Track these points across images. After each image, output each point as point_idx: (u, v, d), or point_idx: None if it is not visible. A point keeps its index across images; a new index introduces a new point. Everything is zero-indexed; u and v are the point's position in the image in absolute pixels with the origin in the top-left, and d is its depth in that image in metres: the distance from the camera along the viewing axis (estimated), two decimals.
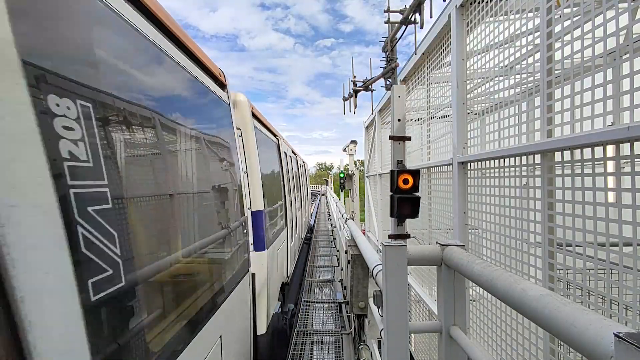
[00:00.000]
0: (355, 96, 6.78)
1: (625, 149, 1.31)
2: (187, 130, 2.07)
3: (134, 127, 1.46)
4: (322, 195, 34.40)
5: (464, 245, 1.56)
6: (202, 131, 2.35)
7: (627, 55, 1.32)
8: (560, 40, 1.67)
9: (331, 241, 12.06)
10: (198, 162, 2.24)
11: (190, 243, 1.99)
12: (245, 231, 3.35)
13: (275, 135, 6.63)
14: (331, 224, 14.57)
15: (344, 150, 14.90)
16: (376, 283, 2.67)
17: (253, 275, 3.74)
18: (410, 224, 3.78)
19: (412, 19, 3.89)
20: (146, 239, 1.54)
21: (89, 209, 1.06)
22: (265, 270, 4.38)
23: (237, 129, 3.66)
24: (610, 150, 1.38)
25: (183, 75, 2.07)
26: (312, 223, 17.09)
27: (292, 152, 9.61)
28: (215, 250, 2.48)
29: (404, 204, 2.97)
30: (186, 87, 2.17)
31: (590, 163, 1.46)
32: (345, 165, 16.54)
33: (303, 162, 14.74)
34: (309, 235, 13.61)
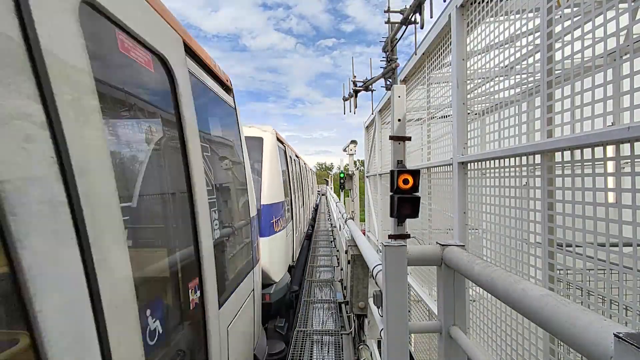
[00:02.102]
0: (356, 96, 6.78)
1: (626, 149, 1.31)
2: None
3: None
4: (322, 195, 34.37)
5: (463, 246, 1.56)
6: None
7: (628, 55, 1.32)
8: (560, 40, 1.67)
9: (331, 241, 12.06)
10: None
11: None
12: None
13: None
14: (331, 224, 14.58)
15: (344, 150, 14.89)
16: (376, 283, 2.67)
17: None
18: (410, 224, 3.78)
19: (413, 19, 3.89)
20: None
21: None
22: None
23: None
24: (611, 150, 1.38)
25: None
26: (316, 203, 23.87)
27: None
28: None
29: (404, 204, 2.97)
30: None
31: (591, 163, 1.46)
32: (345, 165, 16.54)
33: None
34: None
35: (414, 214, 2.99)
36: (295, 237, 8.16)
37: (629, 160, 1.30)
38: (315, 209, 20.78)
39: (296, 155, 10.89)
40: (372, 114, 7.93)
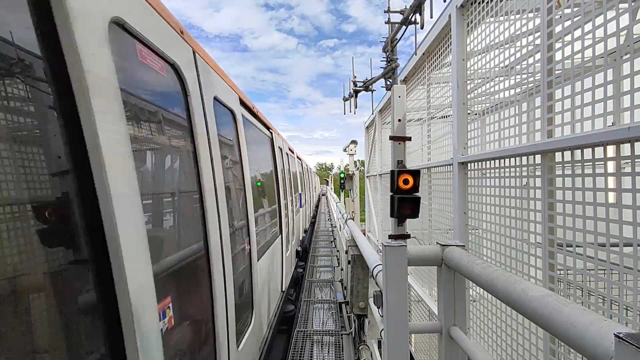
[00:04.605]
0: (356, 96, 6.79)
1: (626, 149, 1.31)
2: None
3: None
4: (323, 195, 34.35)
5: (464, 246, 1.56)
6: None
7: (628, 55, 1.32)
8: (560, 40, 1.67)
9: (331, 241, 12.07)
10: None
11: None
12: None
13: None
14: (331, 224, 14.60)
15: (345, 150, 14.92)
16: (376, 283, 2.67)
17: None
18: (410, 224, 3.78)
19: (413, 19, 3.89)
20: None
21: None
22: None
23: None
24: (611, 150, 1.38)
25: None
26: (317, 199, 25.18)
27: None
28: None
29: (404, 204, 2.97)
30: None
31: (591, 163, 1.46)
32: (346, 166, 16.57)
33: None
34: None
35: (414, 214, 3.00)
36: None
37: (629, 161, 1.30)
38: (315, 210, 20.78)
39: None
40: (372, 114, 7.93)
